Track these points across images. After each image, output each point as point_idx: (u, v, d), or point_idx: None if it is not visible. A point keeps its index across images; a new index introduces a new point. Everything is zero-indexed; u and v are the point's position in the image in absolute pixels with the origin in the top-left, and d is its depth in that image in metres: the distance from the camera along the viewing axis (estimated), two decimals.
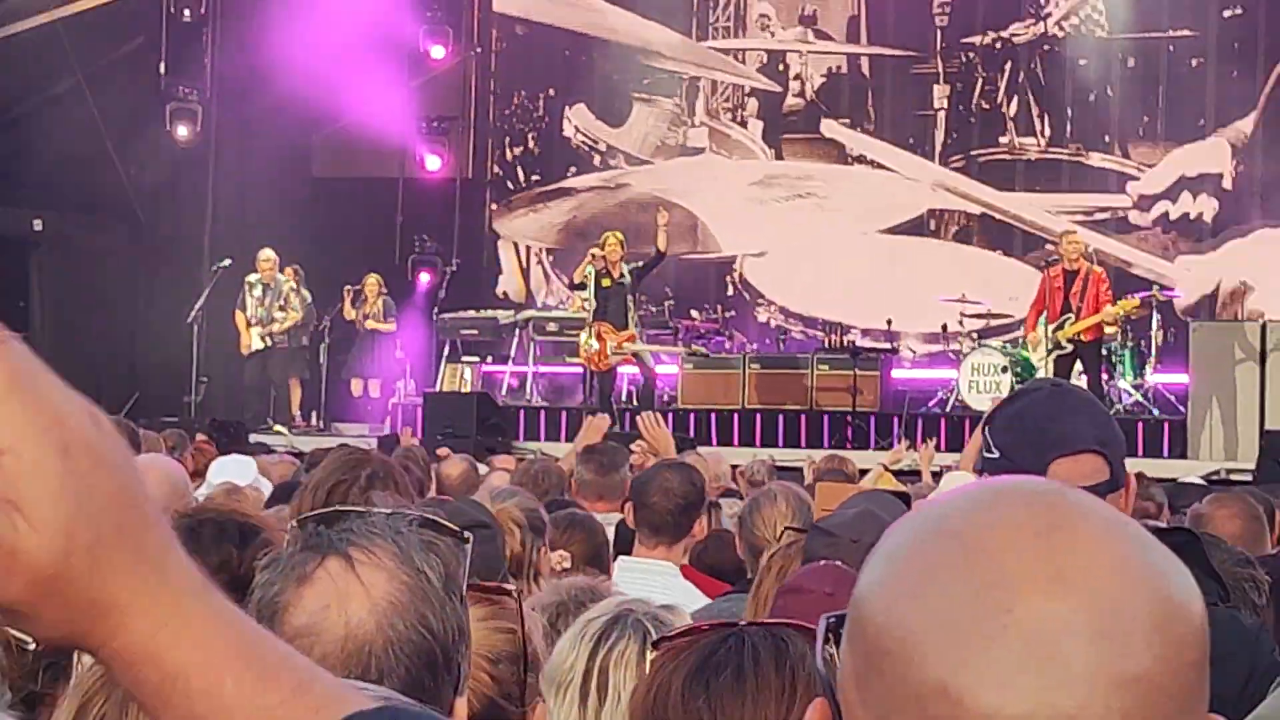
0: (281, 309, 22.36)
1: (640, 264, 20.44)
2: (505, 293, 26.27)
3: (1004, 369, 20.20)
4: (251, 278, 22.40)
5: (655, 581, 6.21)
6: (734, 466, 12.42)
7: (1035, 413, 3.54)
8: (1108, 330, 19.44)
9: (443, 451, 12.66)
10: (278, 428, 21.46)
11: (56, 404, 1.24)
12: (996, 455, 3.50)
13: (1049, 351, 19.35)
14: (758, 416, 21.15)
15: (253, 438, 18.97)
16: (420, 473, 8.17)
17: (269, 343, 22.33)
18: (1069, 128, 24.37)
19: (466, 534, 2.55)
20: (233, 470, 8.45)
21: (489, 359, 23.45)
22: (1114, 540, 1.27)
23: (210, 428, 17.28)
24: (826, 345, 23.28)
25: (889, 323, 22.75)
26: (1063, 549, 1.25)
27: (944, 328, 22.17)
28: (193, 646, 1.30)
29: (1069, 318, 19.17)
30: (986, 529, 1.27)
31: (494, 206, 26.91)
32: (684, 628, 2.78)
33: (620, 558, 6.49)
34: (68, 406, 1.25)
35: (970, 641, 1.23)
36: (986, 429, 3.59)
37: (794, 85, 25.93)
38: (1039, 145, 24.49)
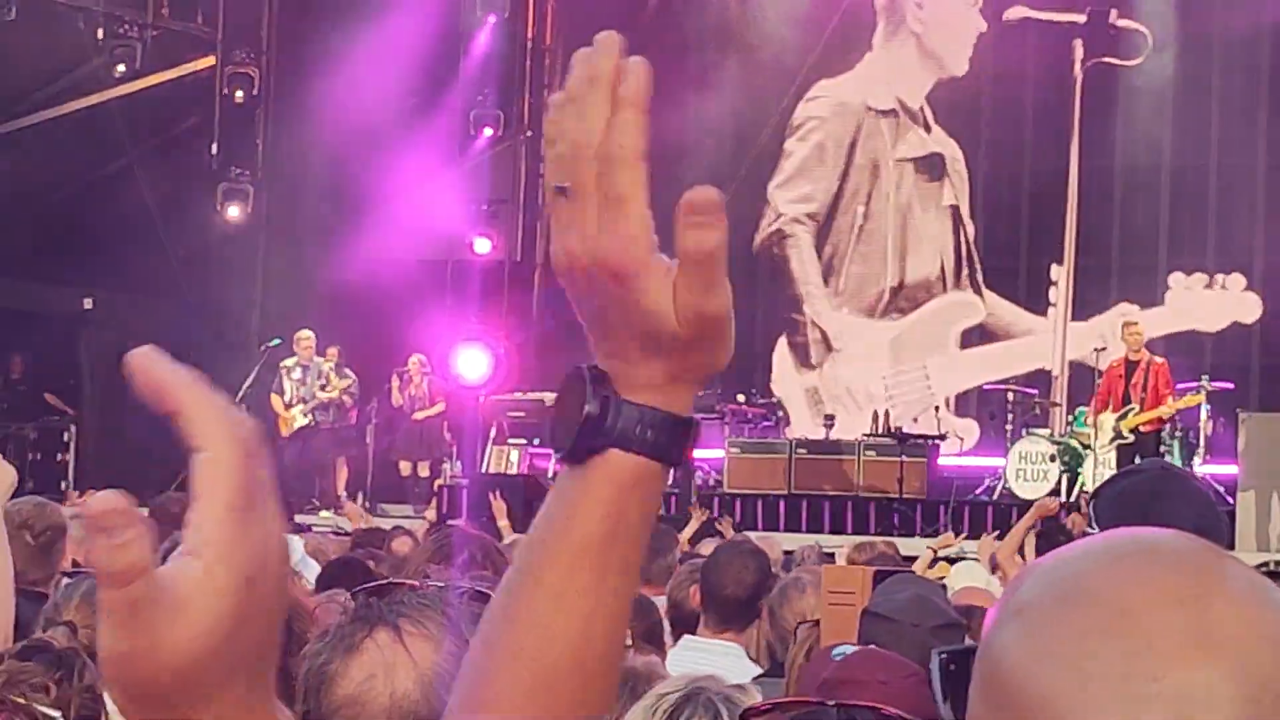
0: (323, 388, 22.45)
1: None
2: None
3: (1052, 458, 20.15)
4: (288, 361, 22.53)
5: (722, 662, 6.18)
6: (786, 552, 12.35)
7: (1139, 492, 3.51)
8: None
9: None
10: (324, 512, 21.47)
11: (267, 534, 1.26)
12: (1096, 532, 3.48)
13: (1111, 440, 19.32)
14: (804, 502, 21.08)
15: (297, 519, 18.97)
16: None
17: (314, 419, 22.38)
18: None
19: None
20: None
21: (536, 441, 23.41)
22: (1259, 606, 1.26)
23: None
24: (873, 431, 23.20)
25: (936, 409, 22.68)
26: (1209, 616, 1.24)
27: (991, 415, 22.10)
28: None
29: (1132, 408, 19.15)
30: (1131, 593, 1.26)
31: (542, 288, 26.95)
32: (773, 701, 2.77)
33: (685, 637, 6.45)
34: (273, 541, 1.27)
35: (1117, 708, 1.23)
36: (1091, 504, 3.58)
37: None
38: None
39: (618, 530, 1.53)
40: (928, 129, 25.58)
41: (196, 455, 1.24)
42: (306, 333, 22.60)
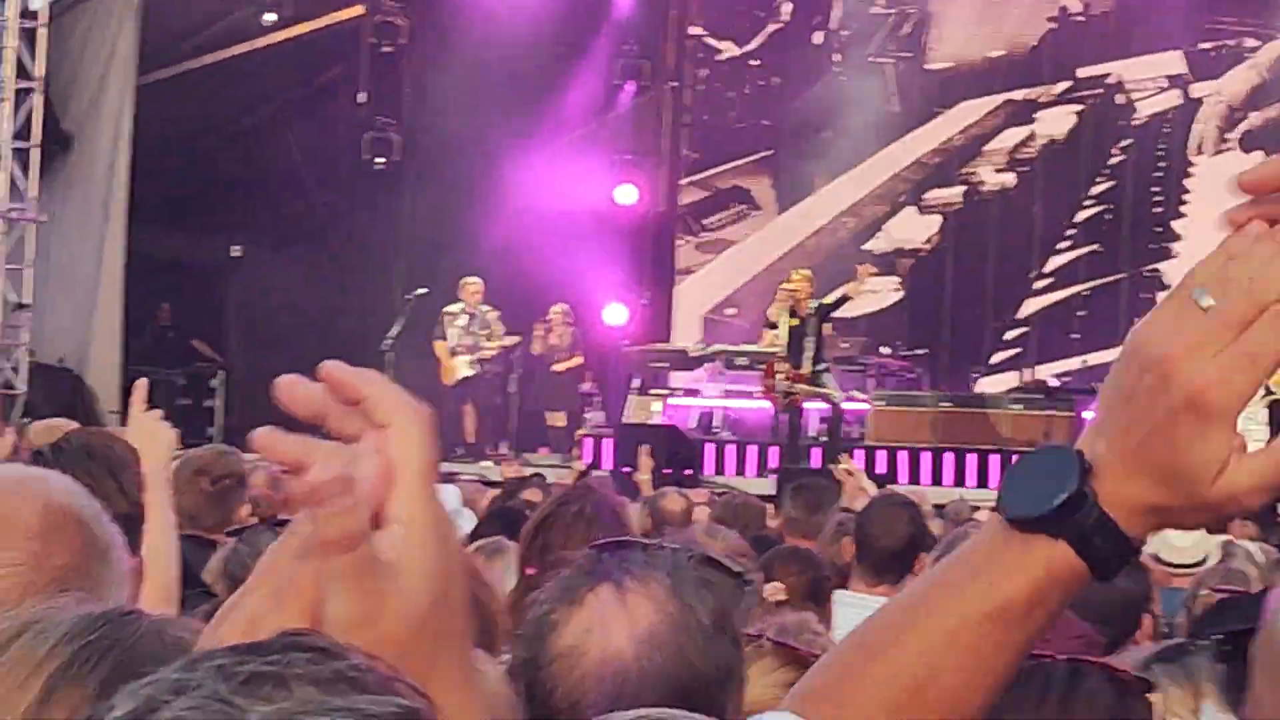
0: (488, 338, 22.37)
1: (828, 301, 20.34)
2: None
3: None
4: (453, 307, 22.38)
5: None
6: (936, 506, 12.23)
7: None
8: None
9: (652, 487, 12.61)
10: (485, 462, 21.45)
11: (437, 503, 1.32)
12: None
13: (1263, 397, 19.05)
14: (949, 455, 20.93)
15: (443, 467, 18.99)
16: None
17: (480, 370, 22.38)
18: None
19: (749, 576, 2.56)
20: None
21: (678, 392, 23.41)
22: None
23: None
24: (1020, 384, 23.01)
25: (1084, 362, 22.50)
26: None
27: None
28: None
29: None
30: None
31: (684, 240, 26.94)
32: None
33: (838, 592, 6.41)
34: (442, 511, 1.33)
35: None
36: None
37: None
38: None
39: (1032, 613, 1.55)
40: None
41: (384, 432, 1.32)
42: (474, 279, 22.45)
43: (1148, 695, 2.66)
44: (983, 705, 1.58)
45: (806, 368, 20.28)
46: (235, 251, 24.58)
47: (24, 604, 2.10)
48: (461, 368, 22.27)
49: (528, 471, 14.61)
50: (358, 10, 25.37)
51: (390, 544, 1.27)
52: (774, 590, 5.91)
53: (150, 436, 3.90)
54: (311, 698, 1.01)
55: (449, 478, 14.25)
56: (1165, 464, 1.48)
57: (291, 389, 1.32)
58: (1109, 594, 4.74)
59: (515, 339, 22.68)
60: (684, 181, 27.14)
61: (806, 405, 20.93)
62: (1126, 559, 1.54)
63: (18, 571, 2.43)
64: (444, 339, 22.36)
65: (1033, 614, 1.55)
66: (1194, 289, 1.47)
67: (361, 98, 25.39)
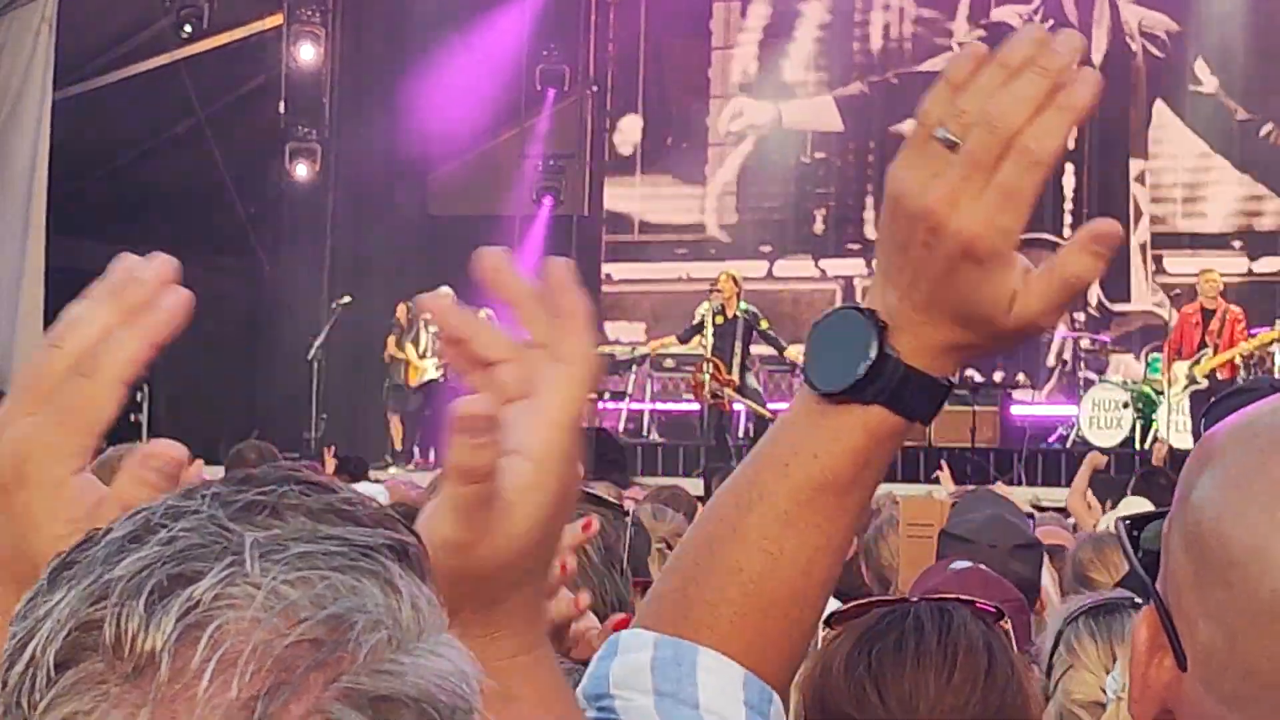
0: None
1: (763, 326, 20.49)
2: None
3: (1125, 405, 20.02)
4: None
5: None
6: None
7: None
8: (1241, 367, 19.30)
9: None
10: (393, 469, 21.45)
11: (576, 449, 1.35)
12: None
13: (1185, 388, 19.19)
14: None
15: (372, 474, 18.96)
16: None
17: (444, 375, 22.46)
18: None
19: (627, 509, 2.58)
20: None
21: (606, 395, 23.41)
22: None
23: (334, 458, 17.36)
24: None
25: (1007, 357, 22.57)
26: None
27: (1064, 363, 21.98)
28: (532, 683, 1.38)
29: (1206, 352, 19.01)
30: None
31: (608, 243, 26.93)
32: (859, 602, 2.79)
33: None
34: (576, 458, 1.36)
35: None
36: (1204, 420, 3.53)
37: None
38: None
39: (860, 476, 1.57)
40: None
41: (553, 363, 1.36)
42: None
43: (1000, 624, 2.73)
44: (831, 569, 1.59)
45: (735, 374, 20.33)
46: None
47: None
48: (429, 370, 22.42)
49: None
50: (276, 21, 25.26)
51: (512, 476, 1.30)
52: None
53: None
54: (304, 526, 1.05)
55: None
56: (959, 309, 1.51)
57: (500, 266, 1.41)
58: (1004, 574, 4.77)
59: None
60: (608, 186, 27.15)
61: (735, 406, 20.97)
62: (941, 400, 1.56)
63: None
64: (416, 343, 22.49)
65: (862, 475, 1.57)
66: (934, 128, 1.47)
67: (281, 108, 25.28)
